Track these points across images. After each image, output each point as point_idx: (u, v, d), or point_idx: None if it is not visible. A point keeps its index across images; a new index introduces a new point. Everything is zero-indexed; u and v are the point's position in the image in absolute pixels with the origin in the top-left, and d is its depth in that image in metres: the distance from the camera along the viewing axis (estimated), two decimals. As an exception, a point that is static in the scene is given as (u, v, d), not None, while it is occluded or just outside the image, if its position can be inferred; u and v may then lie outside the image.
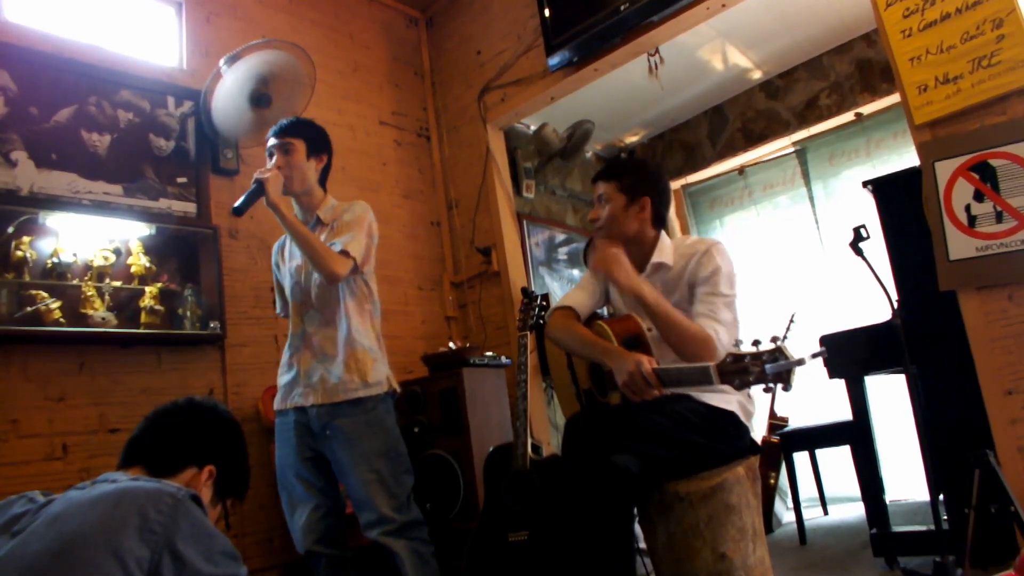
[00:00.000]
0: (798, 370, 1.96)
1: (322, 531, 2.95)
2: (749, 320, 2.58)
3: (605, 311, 2.98)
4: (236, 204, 2.89)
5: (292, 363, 3.08)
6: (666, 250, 2.82)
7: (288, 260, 3.20)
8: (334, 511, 3.03)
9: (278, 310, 3.34)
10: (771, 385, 1.99)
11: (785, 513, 5.23)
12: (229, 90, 3.80)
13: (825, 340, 3.75)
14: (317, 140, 3.19)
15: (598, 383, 2.80)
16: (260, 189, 2.89)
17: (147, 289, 3.54)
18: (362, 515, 2.95)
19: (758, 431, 4.82)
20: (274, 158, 3.07)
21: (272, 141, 3.11)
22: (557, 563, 3.13)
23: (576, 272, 6.30)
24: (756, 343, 2.03)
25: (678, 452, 2.48)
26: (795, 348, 1.96)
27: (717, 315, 2.58)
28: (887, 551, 3.58)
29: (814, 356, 1.96)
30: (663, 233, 2.89)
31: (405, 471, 3.05)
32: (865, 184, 3.76)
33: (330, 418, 2.96)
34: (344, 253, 2.96)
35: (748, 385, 2.02)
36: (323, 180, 3.25)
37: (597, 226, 2.89)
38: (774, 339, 1.99)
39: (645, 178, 2.87)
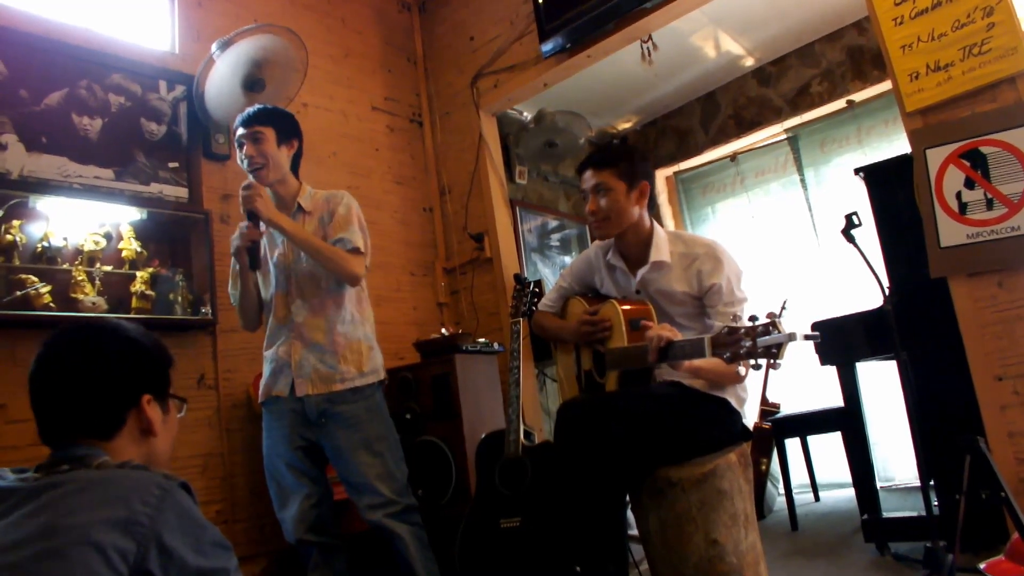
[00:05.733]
0: (790, 351, 1.97)
1: (313, 520, 2.95)
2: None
3: (616, 294, 2.96)
4: (249, 262, 2.96)
5: (279, 354, 3.04)
6: (663, 246, 2.79)
7: (269, 248, 3.15)
8: (325, 499, 3.04)
9: (233, 300, 3.24)
10: (759, 362, 1.99)
11: (777, 499, 5.26)
12: (222, 75, 3.77)
13: (817, 326, 3.76)
14: (286, 126, 3.12)
15: (599, 365, 2.82)
16: (254, 217, 2.89)
17: (138, 274, 3.52)
18: (363, 498, 2.96)
19: (749, 417, 4.83)
20: (244, 148, 3.02)
21: (240, 131, 3.04)
22: (550, 549, 3.14)
23: (568, 259, 6.29)
24: (753, 318, 2.03)
25: (669, 439, 2.50)
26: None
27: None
28: (878, 536, 3.60)
29: (807, 338, 1.97)
30: (655, 223, 2.87)
31: (401, 457, 3.10)
32: (857, 171, 3.77)
33: (329, 405, 2.96)
34: (355, 251, 3.00)
35: (738, 359, 2.01)
36: (295, 167, 3.19)
37: (599, 218, 2.81)
38: (770, 315, 1.99)
39: (639, 163, 2.85)
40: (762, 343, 1.96)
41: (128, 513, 1.27)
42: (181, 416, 1.68)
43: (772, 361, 1.97)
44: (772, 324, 1.97)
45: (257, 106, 3.13)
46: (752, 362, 2.01)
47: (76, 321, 1.69)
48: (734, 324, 2.07)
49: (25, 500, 1.31)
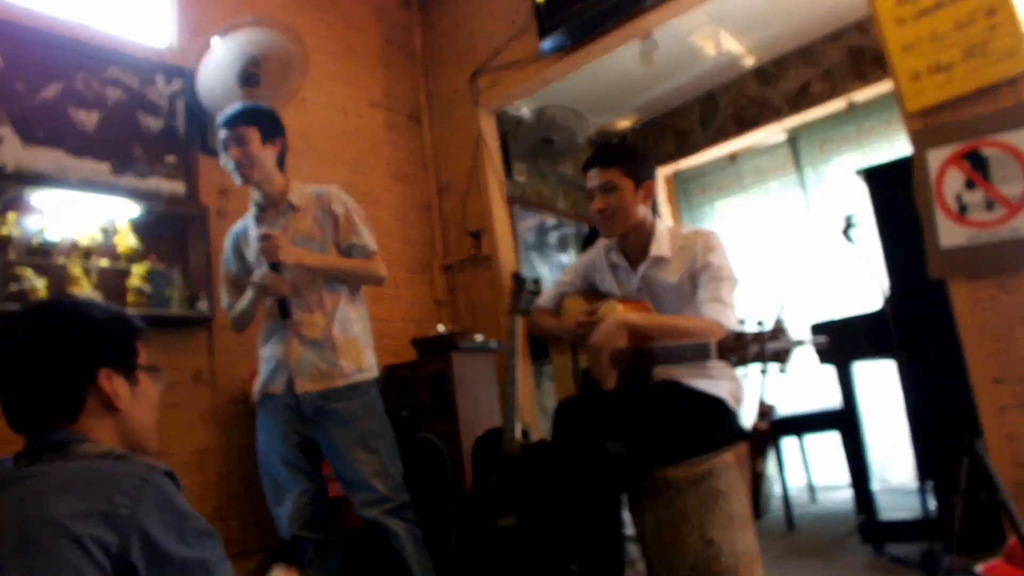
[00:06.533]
0: (794, 353, 1.97)
1: (309, 516, 2.94)
2: (739, 306, 2.59)
3: (618, 292, 2.95)
4: (281, 311, 2.93)
5: (277, 352, 3.02)
6: (663, 242, 2.79)
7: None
8: (320, 496, 3.02)
9: (225, 304, 3.21)
10: (765, 367, 1.99)
11: (773, 499, 5.25)
12: (219, 65, 3.75)
13: (816, 327, 3.76)
14: (269, 124, 3.07)
15: None
16: (278, 268, 2.87)
17: (134, 269, 3.51)
18: (359, 494, 2.94)
19: (746, 418, 4.83)
20: (228, 150, 2.98)
21: (223, 133, 2.99)
22: (545, 548, 3.13)
23: (565, 258, 6.29)
24: (759, 324, 2.03)
25: (666, 439, 2.49)
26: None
27: (722, 296, 2.56)
28: (875, 538, 3.60)
29: (814, 342, 1.98)
30: (657, 220, 2.87)
31: (397, 454, 3.08)
32: (857, 172, 3.76)
33: (325, 401, 2.94)
34: (372, 254, 3.11)
35: (745, 363, 2.02)
36: (281, 163, 3.15)
37: (606, 216, 2.80)
38: (776, 321, 1.99)
39: (643, 161, 2.84)
40: (770, 348, 1.96)
41: (108, 505, 1.25)
42: (161, 387, 1.63)
43: (780, 367, 1.97)
44: (779, 330, 1.96)
45: (238, 106, 3.08)
46: (759, 367, 2.01)
47: (31, 304, 1.63)
48: (741, 329, 2.06)
49: (3, 490, 1.30)
